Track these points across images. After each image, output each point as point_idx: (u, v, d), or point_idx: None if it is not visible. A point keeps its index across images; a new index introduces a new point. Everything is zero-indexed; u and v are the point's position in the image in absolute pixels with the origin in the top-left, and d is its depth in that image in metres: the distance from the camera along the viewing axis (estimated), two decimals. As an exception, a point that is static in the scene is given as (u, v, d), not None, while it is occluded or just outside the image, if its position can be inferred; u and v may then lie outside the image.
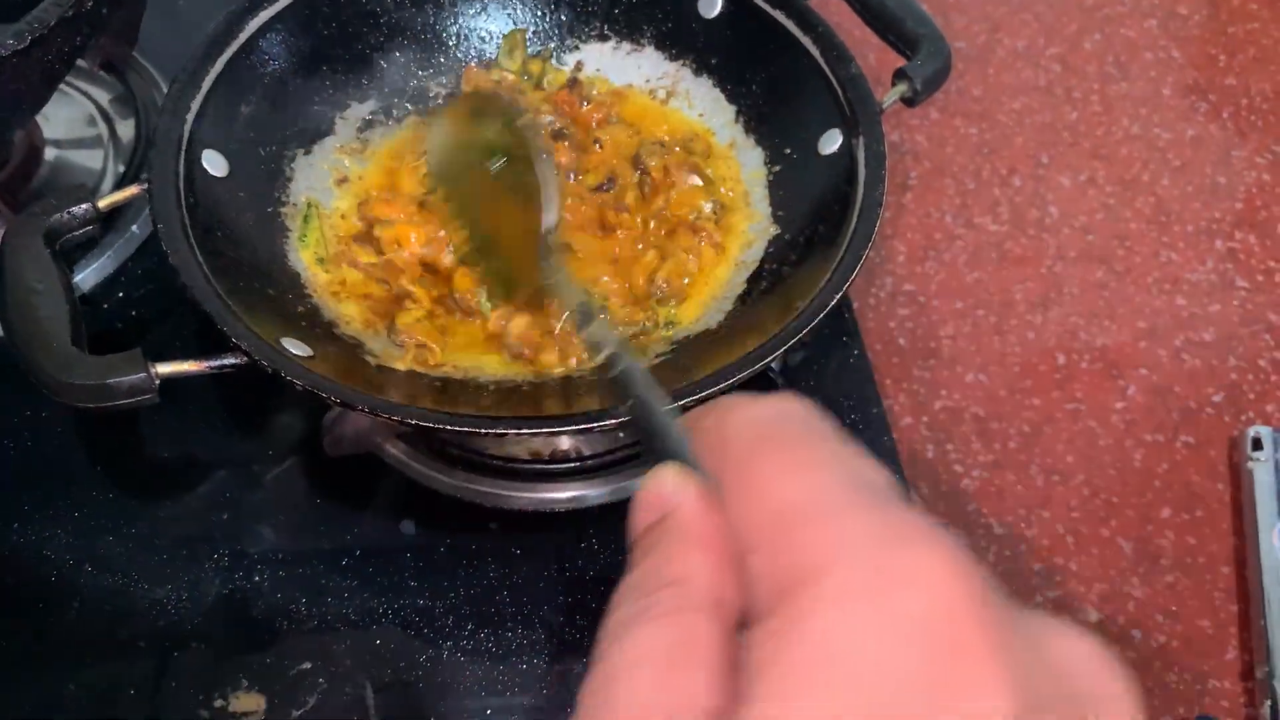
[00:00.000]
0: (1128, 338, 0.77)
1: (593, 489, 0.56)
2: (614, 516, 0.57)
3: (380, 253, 0.54)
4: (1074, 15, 0.97)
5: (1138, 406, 0.73)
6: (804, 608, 0.19)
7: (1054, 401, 0.73)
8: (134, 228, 0.66)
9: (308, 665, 0.52)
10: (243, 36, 0.55)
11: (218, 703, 0.51)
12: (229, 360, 0.44)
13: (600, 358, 0.34)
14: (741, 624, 0.21)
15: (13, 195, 0.64)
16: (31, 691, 0.51)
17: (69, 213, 0.48)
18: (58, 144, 0.70)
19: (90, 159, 0.70)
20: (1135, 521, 0.68)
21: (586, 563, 0.56)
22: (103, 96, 0.73)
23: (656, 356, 0.53)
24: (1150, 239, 0.82)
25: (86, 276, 0.64)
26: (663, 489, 0.23)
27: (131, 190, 0.50)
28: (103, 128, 0.72)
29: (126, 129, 0.72)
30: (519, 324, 0.52)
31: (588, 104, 0.62)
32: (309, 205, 0.56)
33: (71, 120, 0.71)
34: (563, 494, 0.56)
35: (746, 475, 0.22)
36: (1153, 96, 0.91)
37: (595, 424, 0.43)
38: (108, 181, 0.69)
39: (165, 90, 0.72)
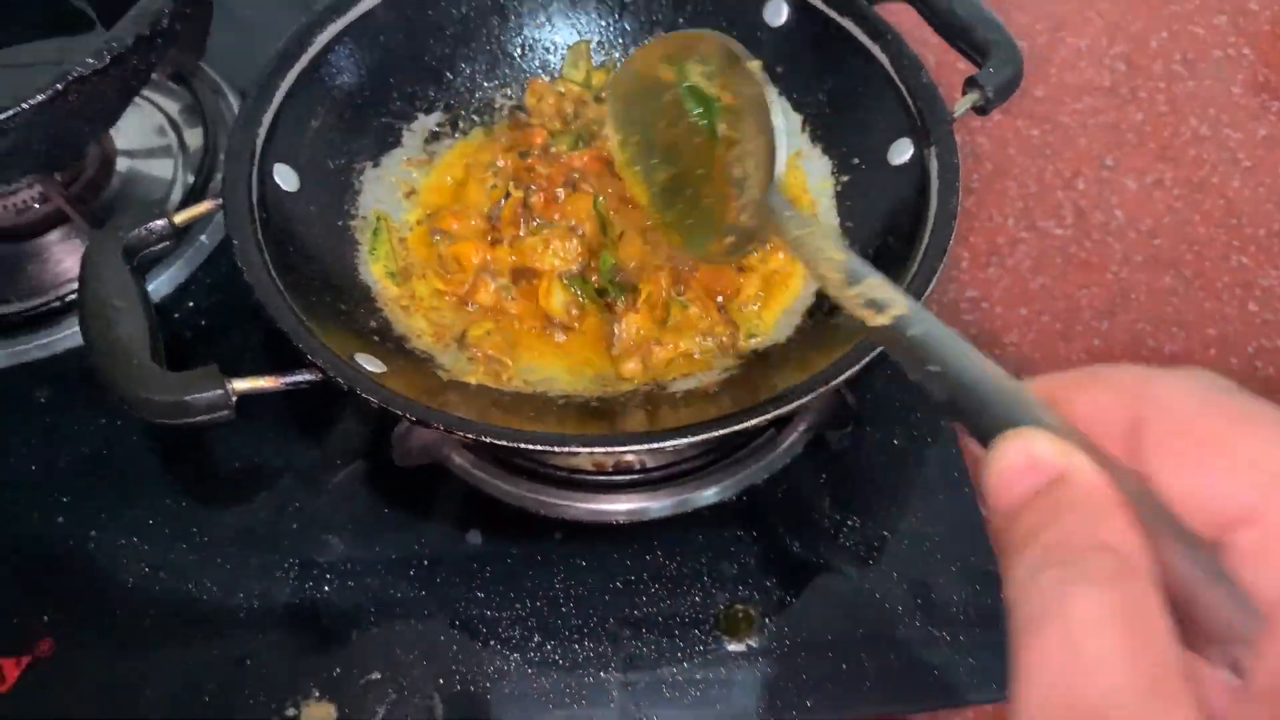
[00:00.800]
0: (1198, 345, 0.75)
1: (655, 501, 0.56)
2: (678, 529, 0.57)
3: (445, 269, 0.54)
4: (1140, 12, 0.94)
5: (1209, 416, 0.72)
6: None
7: (1122, 411, 0.72)
8: (203, 238, 0.67)
9: (376, 675, 0.53)
10: (312, 51, 0.56)
11: (290, 711, 0.51)
12: (304, 376, 0.44)
13: (885, 317, 0.30)
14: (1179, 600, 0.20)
15: (86, 205, 0.66)
16: (108, 698, 0.52)
17: (147, 229, 0.49)
18: (129, 154, 0.71)
19: (160, 168, 0.71)
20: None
21: (651, 576, 0.55)
22: (172, 107, 0.74)
23: (724, 371, 0.52)
24: (1220, 243, 0.80)
25: (159, 285, 0.65)
26: (1039, 452, 0.22)
27: (205, 205, 0.51)
28: (172, 137, 0.73)
29: (195, 138, 0.73)
30: (631, 325, 0.52)
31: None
32: (378, 219, 0.56)
33: (142, 130, 0.73)
34: (625, 505, 0.56)
35: (1219, 450, 0.21)
36: (1222, 95, 0.89)
37: (662, 443, 0.43)
38: (177, 190, 0.70)
39: (232, 99, 0.73)
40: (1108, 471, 0.22)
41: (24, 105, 0.48)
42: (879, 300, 0.31)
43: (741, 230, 0.46)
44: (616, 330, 0.53)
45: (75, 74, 0.50)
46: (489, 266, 0.54)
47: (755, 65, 0.45)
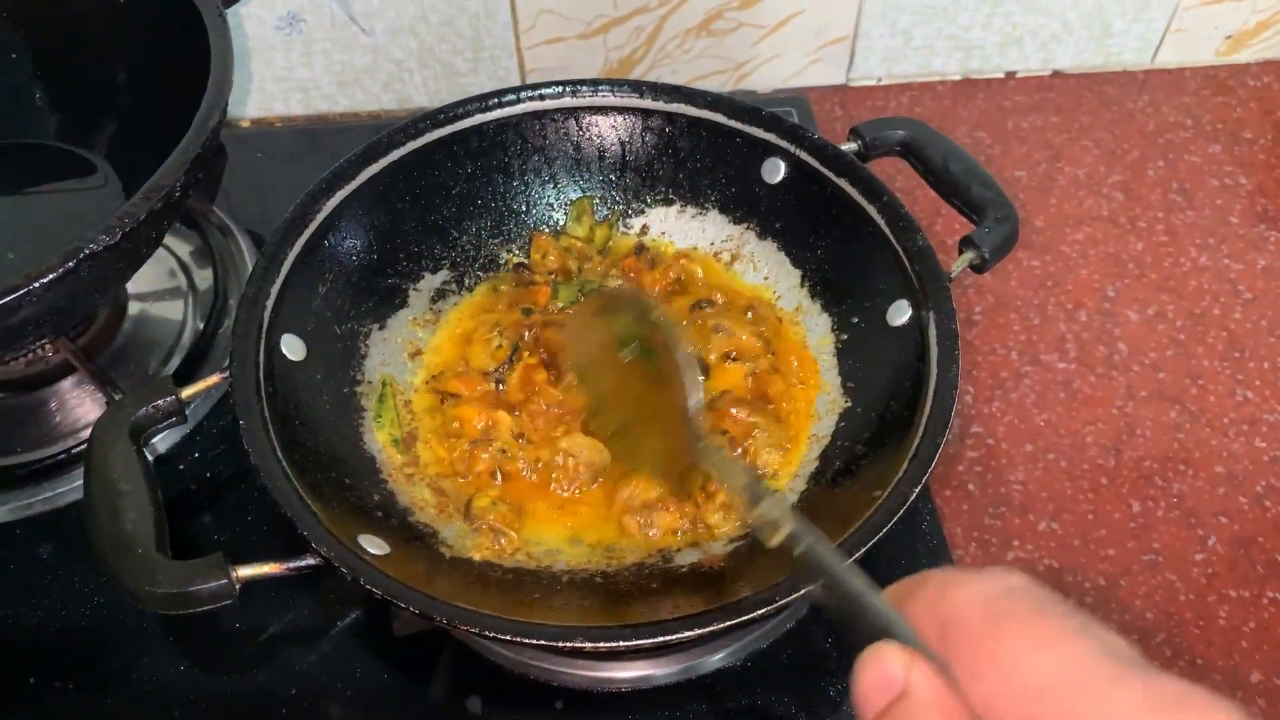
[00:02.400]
0: (1205, 484, 0.74)
1: (659, 668, 0.56)
2: (681, 696, 0.56)
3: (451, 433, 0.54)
4: (1135, 141, 0.96)
5: (1220, 559, 0.71)
6: None
7: (1130, 553, 0.71)
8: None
9: None
10: (319, 218, 0.57)
11: None
12: (308, 562, 0.45)
13: (779, 537, 0.33)
14: None
15: (95, 357, 0.66)
16: None
17: (154, 406, 0.49)
18: (141, 298, 0.72)
19: (171, 310, 0.73)
20: (1223, 687, 0.65)
21: (656, 745, 0.54)
22: (182, 249, 0.76)
23: (731, 541, 0.52)
24: (1225, 377, 0.80)
25: (164, 437, 0.65)
26: (889, 668, 0.24)
27: (213, 380, 0.51)
28: (182, 279, 0.74)
29: (205, 279, 0.74)
30: (635, 487, 0.53)
31: (655, 268, 0.63)
32: (384, 384, 0.57)
33: (153, 274, 0.74)
34: (628, 673, 0.56)
35: (989, 653, 0.22)
36: (1220, 225, 0.90)
37: (669, 636, 0.42)
38: (187, 334, 0.71)
39: (241, 240, 0.75)
40: (943, 677, 0.23)
41: (35, 284, 0.49)
42: (772, 521, 0.35)
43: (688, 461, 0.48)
44: (622, 491, 0.53)
45: (88, 250, 0.51)
46: (488, 434, 0.55)
47: (657, 315, 0.49)
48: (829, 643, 0.58)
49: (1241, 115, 0.98)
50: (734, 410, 0.56)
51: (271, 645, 0.58)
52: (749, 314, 0.61)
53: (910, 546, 0.61)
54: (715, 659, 0.56)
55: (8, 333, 0.52)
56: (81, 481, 0.61)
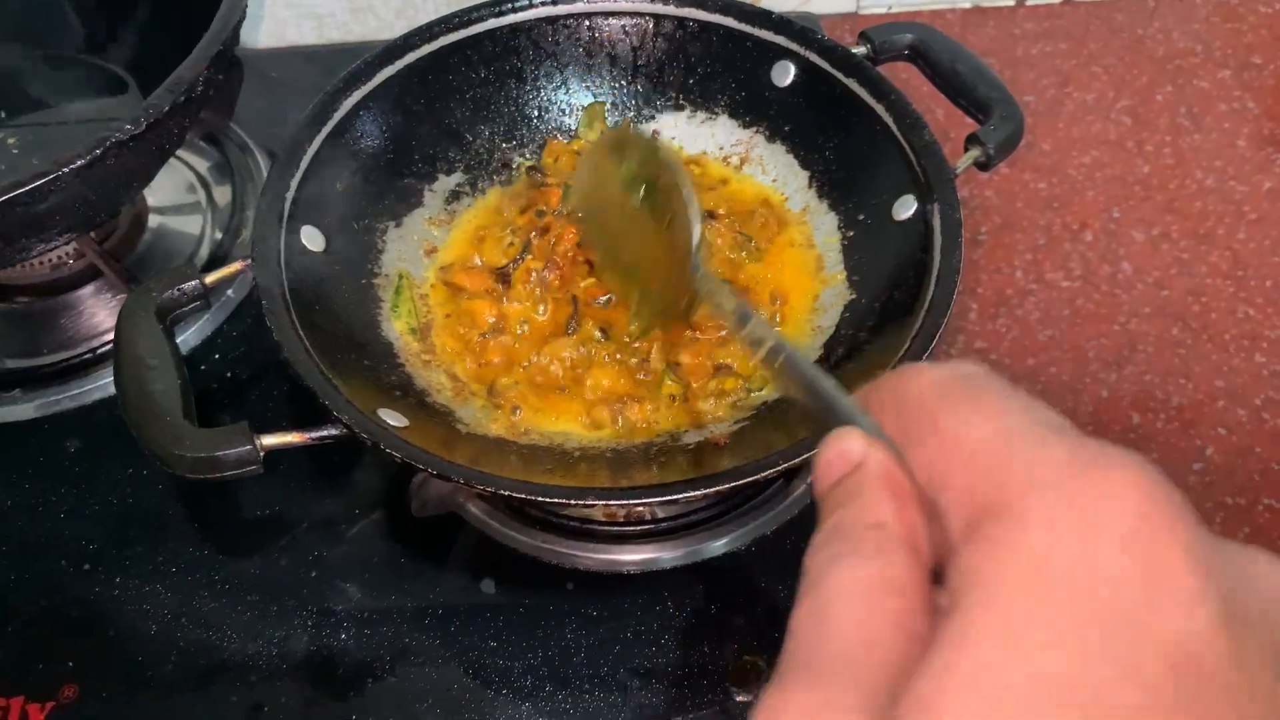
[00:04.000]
0: (1205, 397, 0.75)
1: (666, 552, 0.57)
2: (688, 579, 0.58)
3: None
4: (1145, 67, 0.96)
5: (1217, 468, 0.72)
6: (1009, 529, 0.20)
7: (1131, 462, 0.72)
8: (230, 292, 0.69)
9: (392, 722, 0.54)
10: (337, 116, 0.58)
11: (307, 757, 0.52)
12: (330, 432, 0.46)
13: (761, 352, 0.35)
14: (934, 572, 0.23)
15: (119, 260, 0.68)
16: (133, 742, 0.53)
17: (179, 289, 0.51)
18: (160, 211, 0.74)
19: (190, 224, 0.74)
20: (1218, 587, 0.67)
21: (662, 625, 0.56)
22: (201, 165, 0.77)
23: (736, 423, 0.54)
24: (1227, 295, 0.81)
25: (188, 338, 0.67)
26: (847, 446, 0.25)
27: (236, 266, 0.53)
28: (201, 194, 0.76)
29: (223, 195, 0.76)
30: (599, 378, 0.54)
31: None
32: (400, 277, 0.58)
33: (173, 188, 0.75)
34: (636, 555, 0.57)
35: (934, 424, 0.23)
36: (1227, 148, 0.90)
37: (675, 495, 0.44)
38: (205, 245, 0.73)
39: (259, 157, 0.76)
40: (898, 459, 0.25)
41: (65, 169, 0.51)
42: (756, 338, 0.37)
43: (688, 294, 0.50)
44: (589, 381, 0.55)
45: (114, 139, 0.52)
46: (498, 327, 0.56)
47: (668, 152, 0.52)
48: (832, 531, 0.59)
49: (1251, 41, 0.98)
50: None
51: (292, 533, 0.60)
52: (755, 216, 0.62)
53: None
54: (720, 544, 0.58)
55: (37, 220, 0.53)
56: (107, 380, 0.64)
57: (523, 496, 0.44)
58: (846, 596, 0.22)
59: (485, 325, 0.57)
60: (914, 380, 0.25)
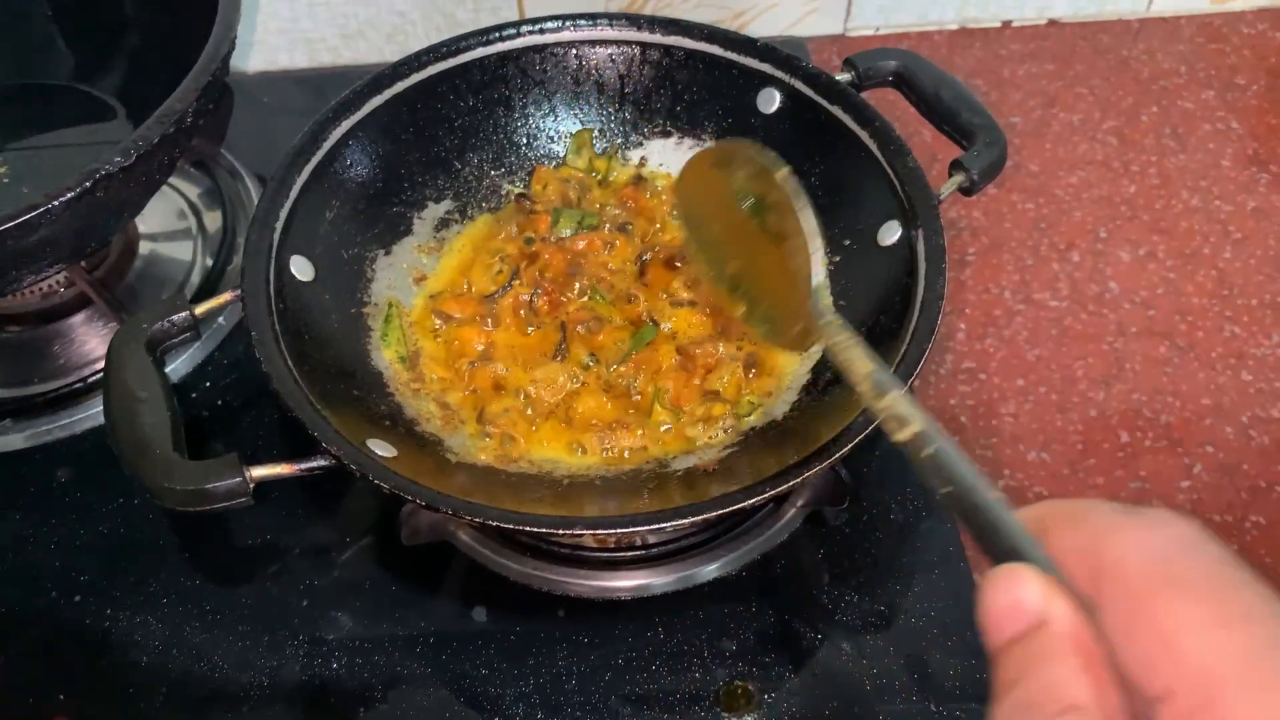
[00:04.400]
0: (1193, 415, 0.76)
1: (657, 578, 0.57)
2: (679, 605, 0.58)
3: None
4: (1129, 88, 0.97)
5: (1205, 486, 0.72)
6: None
7: (1118, 480, 0.73)
8: (221, 319, 0.70)
9: (384, 751, 0.53)
10: (326, 145, 0.59)
11: (299, 788, 0.52)
12: (319, 463, 0.46)
13: (905, 433, 0.31)
14: None
15: (110, 289, 0.68)
16: (124, 775, 0.53)
17: (169, 321, 0.51)
18: (151, 237, 0.74)
19: (181, 250, 0.74)
20: (1207, 606, 0.67)
21: (653, 651, 0.56)
22: (192, 191, 0.77)
23: (725, 448, 0.54)
24: (1213, 314, 0.82)
25: (178, 366, 0.67)
26: (1023, 593, 0.22)
27: (225, 297, 0.53)
28: (192, 220, 0.76)
29: (214, 220, 0.76)
30: (588, 404, 0.54)
31: (652, 195, 0.64)
32: (390, 305, 0.59)
33: (164, 214, 0.76)
34: (628, 582, 0.58)
35: (1149, 619, 0.21)
36: (1212, 168, 0.91)
37: (664, 524, 0.44)
38: (196, 272, 0.73)
39: (250, 183, 0.77)
40: (1084, 616, 0.22)
41: (55, 202, 0.51)
42: (900, 416, 0.32)
43: (803, 324, 0.47)
44: (572, 410, 0.55)
45: (104, 171, 0.52)
46: (487, 354, 0.57)
47: (780, 174, 0.47)
48: (820, 554, 0.60)
49: (1235, 62, 0.99)
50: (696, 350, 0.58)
51: (284, 562, 0.60)
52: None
53: (900, 475, 0.63)
54: (710, 569, 0.58)
55: (26, 253, 0.53)
56: (98, 409, 0.64)
57: (511, 526, 0.44)
58: None
59: (474, 353, 0.57)
60: (1117, 542, 0.22)
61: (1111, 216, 0.88)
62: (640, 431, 0.54)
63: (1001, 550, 0.24)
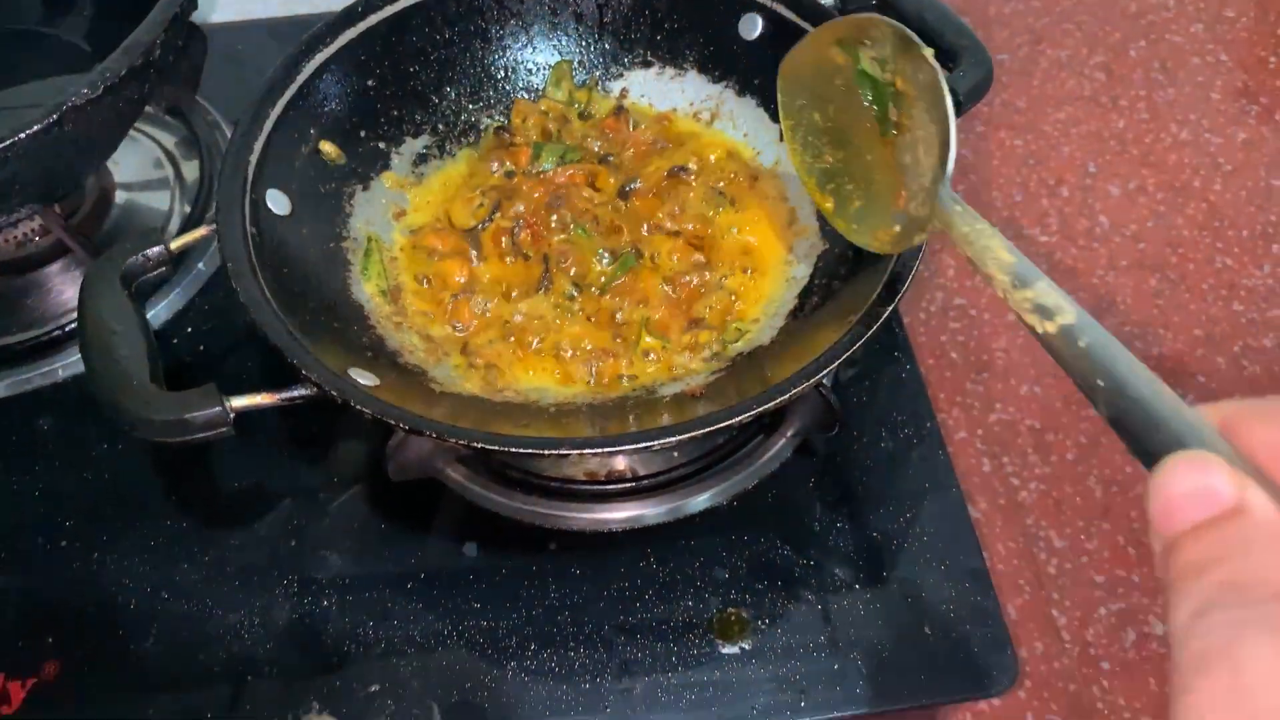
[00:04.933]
0: (1185, 346, 0.76)
1: (649, 508, 0.57)
2: (671, 536, 0.57)
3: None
4: (1117, 23, 0.96)
5: (1197, 415, 0.72)
6: None
7: (1111, 412, 0.73)
8: (200, 265, 0.69)
9: (376, 688, 0.53)
10: (300, 79, 0.57)
11: (291, 724, 0.52)
12: (299, 392, 0.46)
13: (1053, 326, 0.29)
14: None
15: (87, 237, 0.67)
16: (115, 714, 0.52)
17: (144, 255, 0.50)
18: (127, 187, 0.73)
19: (158, 200, 0.73)
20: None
21: (645, 581, 0.56)
22: (168, 140, 0.76)
23: (712, 374, 0.53)
24: (1204, 245, 0.81)
25: (157, 313, 0.66)
26: (1211, 484, 0.21)
27: (200, 231, 0.52)
28: (169, 169, 0.75)
29: (191, 169, 0.75)
30: (574, 333, 0.54)
31: (636, 128, 0.63)
32: (369, 240, 0.58)
33: (140, 163, 0.74)
34: (619, 514, 0.57)
35: None
36: (1201, 101, 0.90)
37: (652, 442, 0.44)
38: (175, 221, 0.72)
39: (227, 131, 0.75)
40: None
41: (21, 135, 0.50)
42: (1047, 306, 0.30)
43: (911, 219, 0.45)
44: (562, 339, 0.54)
45: (70, 103, 0.51)
46: (469, 287, 0.56)
47: (929, 52, 0.44)
48: (811, 483, 0.59)
49: (1223, -7, 0.98)
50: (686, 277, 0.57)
51: (272, 505, 0.60)
52: (726, 171, 0.61)
53: (894, 412, 0.62)
54: (701, 500, 0.57)
55: (-5, 190, 0.52)
56: (77, 356, 0.63)
57: (497, 449, 0.43)
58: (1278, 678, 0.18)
59: (456, 286, 0.56)
60: None
61: (1100, 151, 0.87)
62: (628, 360, 0.54)
63: (1173, 444, 0.23)
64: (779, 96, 0.53)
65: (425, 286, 0.57)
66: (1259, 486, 0.21)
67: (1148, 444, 0.24)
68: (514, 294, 0.56)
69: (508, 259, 0.57)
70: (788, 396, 0.44)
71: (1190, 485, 0.21)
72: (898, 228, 0.46)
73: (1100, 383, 0.26)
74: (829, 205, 0.51)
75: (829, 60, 0.49)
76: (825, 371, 0.45)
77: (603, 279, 0.56)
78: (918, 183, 0.44)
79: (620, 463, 0.58)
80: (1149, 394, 0.25)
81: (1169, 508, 0.21)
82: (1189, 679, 0.19)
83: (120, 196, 0.72)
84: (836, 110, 0.50)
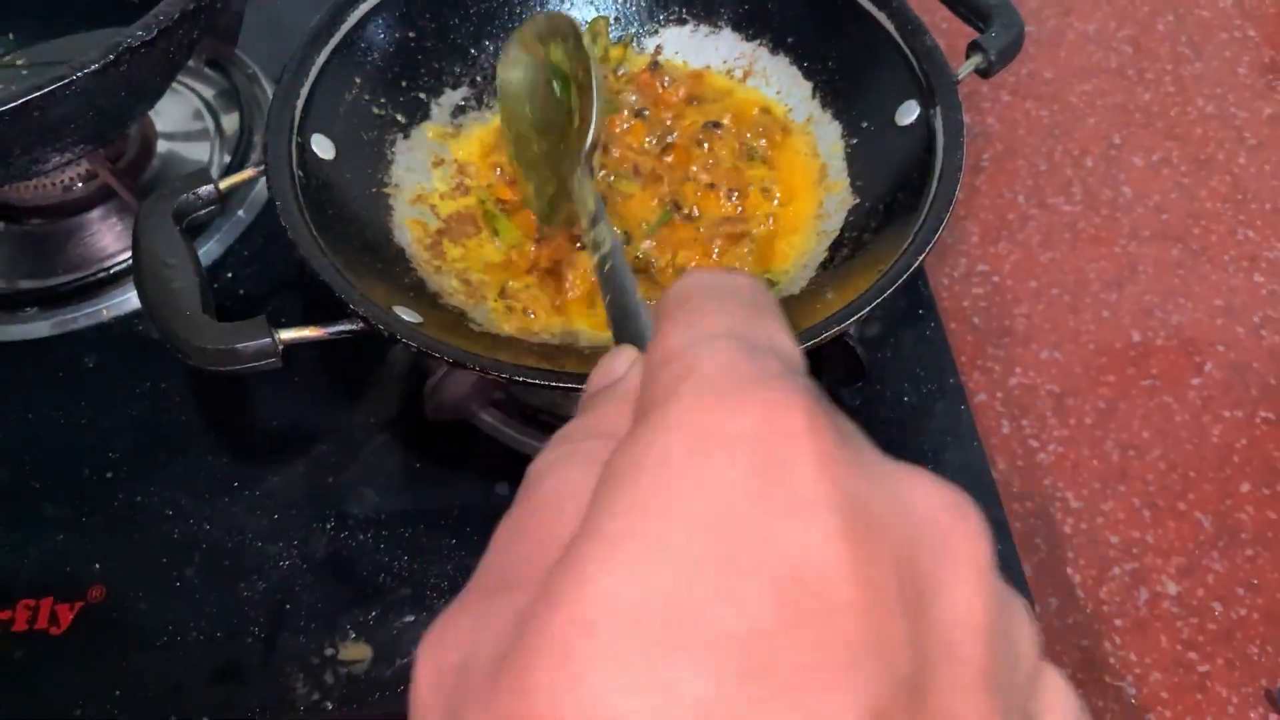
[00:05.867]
0: (1204, 315, 0.77)
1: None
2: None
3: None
4: (1146, -4, 0.96)
5: (1215, 383, 0.73)
6: (638, 435, 0.19)
7: (1129, 379, 0.74)
8: (240, 212, 0.70)
9: (410, 619, 0.55)
10: (345, 27, 0.59)
11: (328, 651, 0.54)
12: (347, 327, 0.47)
13: (595, 256, 0.36)
14: None
15: (132, 180, 0.69)
16: (158, 636, 0.55)
17: (194, 193, 0.52)
18: (169, 136, 0.75)
19: (198, 151, 0.75)
20: (1214, 496, 0.68)
21: (672, 525, 0.58)
22: (208, 92, 0.78)
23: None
24: (1226, 217, 0.82)
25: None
26: (615, 365, 0.25)
27: (249, 172, 0.54)
28: (209, 121, 0.76)
29: (231, 122, 0.76)
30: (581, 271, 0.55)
31: (667, 85, 0.64)
32: (482, 202, 0.60)
33: (181, 115, 0.76)
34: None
35: (660, 329, 0.22)
36: (1228, 76, 0.91)
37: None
38: (214, 171, 0.73)
39: (266, 85, 0.77)
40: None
41: (79, 73, 0.51)
42: (597, 241, 0.37)
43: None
44: (569, 277, 0.56)
45: (126, 44, 0.53)
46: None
47: (587, 39, 0.51)
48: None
49: (1253, -32, 0.98)
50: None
51: (309, 442, 0.62)
52: (758, 125, 0.62)
53: (917, 368, 0.64)
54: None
55: (51, 129, 0.54)
56: (122, 298, 0.65)
57: (537, 383, 0.45)
58: (552, 507, 0.20)
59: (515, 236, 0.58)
60: (683, 281, 0.23)
61: (1125, 123, 0.88)
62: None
63: (631, 337, 0.30)
64: (498, 88, 0.57)
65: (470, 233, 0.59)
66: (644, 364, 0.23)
67: (620, 339, 0.30)
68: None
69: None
70: (820, 339, 0.46)
71: (602, 368, 0.25)
72: (569, 206, 0.49)
73: (609, 296, 0.33)
74: (527, 191, 0.55)
75: (535, 54, 0.55)
76: (857, 316, 0.47)
77: (644, 225, 0.57)
78: (574, 162, 0.48)
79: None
80: (633, 305, 0.31)
81: (591, 381, 0.25)
82: (516, 500, 0.22)
83: (162, 146, 0.74)
84: (541, 103, 0.54)
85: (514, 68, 0.55)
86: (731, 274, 0.24)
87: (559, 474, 0.21)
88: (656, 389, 0.20)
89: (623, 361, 0.25)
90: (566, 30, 0.52)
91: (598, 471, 0.19)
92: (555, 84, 0.52)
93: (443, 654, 0.19)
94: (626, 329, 0.31)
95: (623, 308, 0.32)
